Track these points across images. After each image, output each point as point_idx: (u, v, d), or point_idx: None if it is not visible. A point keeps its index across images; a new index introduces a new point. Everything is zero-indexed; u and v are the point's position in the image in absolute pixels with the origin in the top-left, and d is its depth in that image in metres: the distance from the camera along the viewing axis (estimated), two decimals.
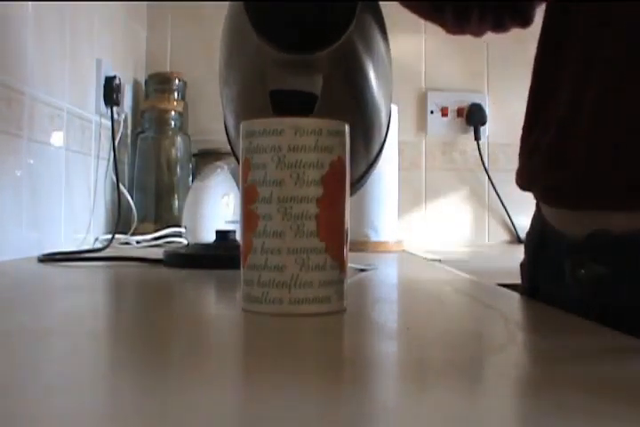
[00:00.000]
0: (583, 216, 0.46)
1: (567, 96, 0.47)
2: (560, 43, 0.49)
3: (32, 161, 0.90)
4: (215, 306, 0.52)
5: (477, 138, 1.56)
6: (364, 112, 0.54)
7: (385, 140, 0.60)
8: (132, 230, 1.25)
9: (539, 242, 0.53)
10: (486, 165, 1.57)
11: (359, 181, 0.60)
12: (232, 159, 1.33)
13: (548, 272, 0.52)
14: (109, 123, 1.21)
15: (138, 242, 1.17)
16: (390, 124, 0.60)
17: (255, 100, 0.51)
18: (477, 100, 1.57)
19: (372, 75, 0.52)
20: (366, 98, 0.53)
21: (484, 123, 1.56)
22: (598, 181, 0.44)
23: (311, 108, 0.47)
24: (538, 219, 0.54)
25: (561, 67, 0.49)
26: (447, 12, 0.64)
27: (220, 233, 0.79)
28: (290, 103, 0.47)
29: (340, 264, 0.41)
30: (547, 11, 0.53)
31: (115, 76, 1.21)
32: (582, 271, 0.45)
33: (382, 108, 0.56)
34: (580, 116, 0.45)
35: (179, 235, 1.20)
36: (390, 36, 0.57)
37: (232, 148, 0.60)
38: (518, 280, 0.58)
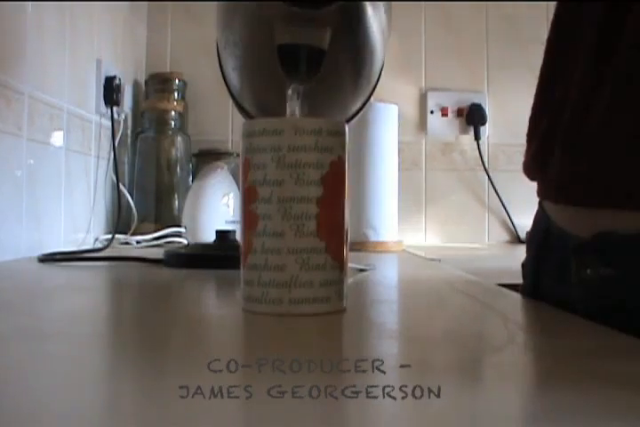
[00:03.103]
0: (591, 215, 0.45)
1: (581, 93, 0.46)
2: (573, 26, 0.48)
3: (32, 161, 0.90)
4: (215, 306, 0.52)
5: (477, 138, 1.56)
6: (361, 59, 0.55)
7: (375, 88, 0.60)
8: (132, 230, 1.25)
9: (542, 241, 0.53)
10: (486, 165, 1.57)
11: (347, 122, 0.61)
12: (232, 159, 1.34)
13: (552, 271, 0.51)
14: (109, 123, 1.21)
15: (138, 242, 1.17)
16: (382, 72, 0.61)
17: (260, 48, 0.51)
18: (477, 100, 1.57)
19: (375, 27, 0.52)
20: (366, 48, 0.54)
21: (484, 123, 1.56)
22: (611, 178, 0.43)
23: (319, 64, 0.47)
24: (541, 217, 0.53)
25: (576, 60, 0.47)
26: None
27: (219, 233, 0.79)
28: (297, 57, 0.47)
29: (340, 264, 0.41)
30: None
31: (115, 76, 1.21)
32: (587, 271, 0.45)
33: (378, 54, 0.56)
34: (594, 116, 0.44)
35: (179, 235, 1.20)
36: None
37: (229, 89, 0.59)
38: (518, 280, 0.58)
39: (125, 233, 1.21)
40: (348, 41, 0.52)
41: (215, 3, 0.54)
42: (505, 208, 1.56)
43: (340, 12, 0.46)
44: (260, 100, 0.59)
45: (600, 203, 0.44)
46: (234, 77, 0.58)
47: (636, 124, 0.42)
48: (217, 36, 0.56)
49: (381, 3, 0.53)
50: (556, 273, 0.50)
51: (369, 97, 0.60)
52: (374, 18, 0.52)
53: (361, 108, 0.60)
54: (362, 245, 1.14)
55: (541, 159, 0.50)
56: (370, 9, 0.51)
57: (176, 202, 1.33)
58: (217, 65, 0.59)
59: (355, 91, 0.57)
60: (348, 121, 0.60)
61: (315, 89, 0.48)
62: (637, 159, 0.41)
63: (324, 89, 0.51)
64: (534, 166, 0.52)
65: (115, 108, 1.22)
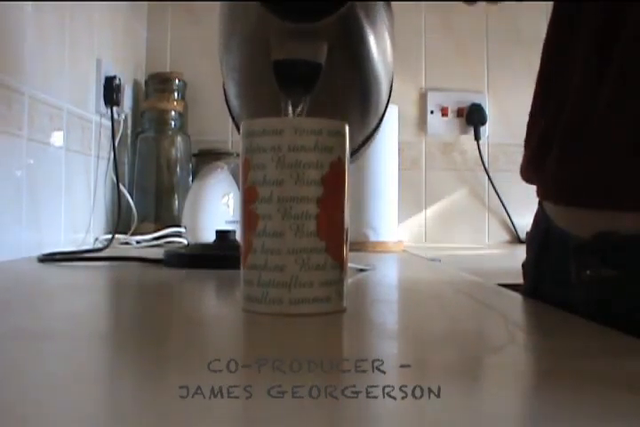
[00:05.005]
0: (591, 215, 0.45)
1: (582, 94, 0.46)
2: (572, 26, 0.48)
3: (32, 161, 0.90)
4: (215, 306, 0.52)
5: (477, 138, 1.56)
6: (363, 82, 0.54)
7: (384, 115, 0.60)
8: (132, 230, 1.25)
9: (542, 241, 0.53)
10: (486, 165, 1.57)
11: (353, 154, 0.60)
12: (232, 159, 1.34)
13: (552, 272, 0.51)
14: (109, 123, 1.21)
15: (138, 242, 1.17)
16: (390, 99, 0.60)
17: (258, 70, 0.51)
18: (477, 100, 1.57)
19: (373, 48, 0.52)
20: (367, 69, 0.53)
21: (484, 123, 1.56)
22: (609, 181, 0.43)
23: (315, 78, 0.47)
24: (541, 218, 0.53)
25: (576, 62, 0.47)
26: None
27: (219, 233, 0.79)
28: (293, 73, 0.47)
29: (340, 264, 0.41)
30: None
31: (115, 76, 1.21)
32: (587, 272, 0.45)
33: (382, 81, 0.56)
34: (594, 116, 0.44)
35: (179, 235, 1.20)
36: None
37: (233, 118, 0.59)
38: (518, 280, 0.58)
39: (125, 233, 1.21)
40: (345, 57, 0.52)
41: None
42: (505, 208, 1.56)
43: (336, 28, 0.46)
44: None
45: (600, 204, 0.44)
46: (235, 105, 0.57)
47: (635, 125, 0.42)
48: (219, 60, 0.56)
49: (385, 29, 0.53)
50: (556, 274, 0.50)
51: (377, 127, 0.59)
52: (372, 33, 0.52)
53: (368, 139, 0.60)
54: (362, 245, 1.14)
55: (540, 160, 0.50)
56: (372, 37, 0.51)
57: (176, 202, 1.34)
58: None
59: (361, 123, 0.57)
60: (352, 154, 0.59)
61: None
62: (636, 160, 0.41)
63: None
64: (532, 168, 0.52)
65: (115, 108, 1.22)
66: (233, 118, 0.59)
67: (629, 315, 0.41)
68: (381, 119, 0.60)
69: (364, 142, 0.60)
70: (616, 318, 0.39)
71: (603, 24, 0.45)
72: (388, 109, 1.26)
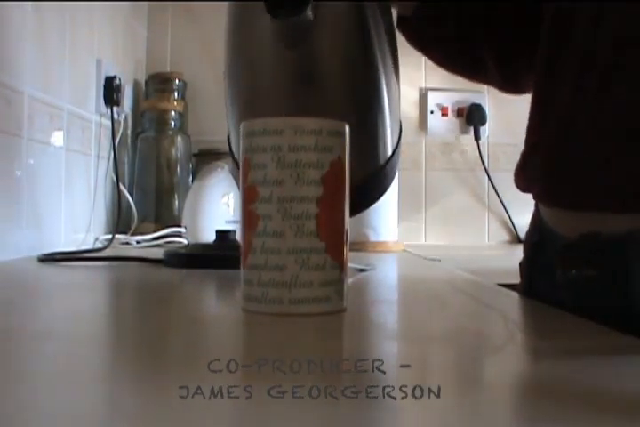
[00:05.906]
0: (577, 217, 0.46)
1: (568, 97, 0.47)
2: (561, 44, 0.49)
3: (32, 161, 0.90)
4: (215, 306, 0.52)
5: (477, 138, 1.56)
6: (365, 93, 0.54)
7: (398, 144, 0.60)
8: (132, 230, 1.25)
9: (536, 241, 0.54)
10: (486, 165, 1.57)
11: (363, 185, 0.58)
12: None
13: (544, 271, 0.52)
14: (109, 123, 1.21)
15: (138, 242, 1.17)
16: (402, 129, 0.60)
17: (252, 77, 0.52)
18: (477, 100, 1.57)
19: (385, 93, 0.53)
20: (367, 73, 0.54)
21: (483, 123, 1.56)
22: (594, 182, 0.44)
23: (305, 3, 0.47)
24: (536, 218, 0.54)
25: (563, 67, 0.48)
26: (490, 73, 0.64)
27: (219, 233, 0.79)
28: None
29: (340, 264, 0.41)
30: (547, 17, 0.52)
31: (115, 76, 1.21)
32: (573, 272, 0.45)
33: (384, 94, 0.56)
34: (579, 117, 0.45)
35: (179, 235, 1.20)
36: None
37: (234, 159, 0.59)
38: (518, 280, 0.59)
39: (125, 233, 1.21)
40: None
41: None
42: (505, 208, 1.56)
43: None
44: None
45: (584, 205, 0.45)
46: (234, 137, 0.57)
47: (617, 128, 0.43)
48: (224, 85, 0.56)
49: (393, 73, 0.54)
50: (547, 273, 0.50)
51: (386, 164, 0.59)
52: (387, 89, 0.52)
53: (375, 176, 0.59)
54: (362, 245, 1.14)
55: (530, 163, 0.51)
56: (383, 80, 0.51)
57: (176, 202, 1.33)
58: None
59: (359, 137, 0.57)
60: (358, 189, 0.58)
61: None
62: (618, 162, 0.42)
63: None
64: (528, 169, 0.53)
65: (115, 108, 1.21)
66: (234, 159, 0.58)
67: (613, 315, 0.42)
68: (395, 151, 0.59)
69: (373, 174, 0.59)
70: (601, 318, 0.39)
71: (586, 39, 0.46)
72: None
